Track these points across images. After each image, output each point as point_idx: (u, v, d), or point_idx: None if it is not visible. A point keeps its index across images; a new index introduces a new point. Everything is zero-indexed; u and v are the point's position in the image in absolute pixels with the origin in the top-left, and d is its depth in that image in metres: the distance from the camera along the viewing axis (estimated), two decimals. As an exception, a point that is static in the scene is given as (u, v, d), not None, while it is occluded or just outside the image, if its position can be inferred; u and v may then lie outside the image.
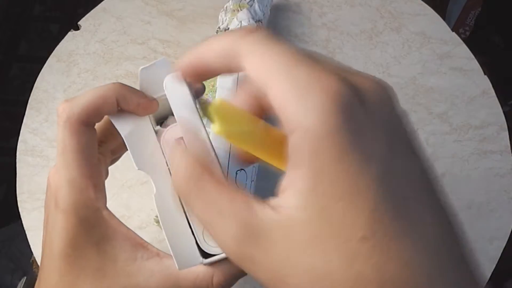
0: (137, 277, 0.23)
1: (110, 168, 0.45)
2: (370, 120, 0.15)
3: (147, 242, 0.25)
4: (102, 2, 0.59)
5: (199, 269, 0.23)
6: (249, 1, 0.48)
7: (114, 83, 0.26)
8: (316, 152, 0.15)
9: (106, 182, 0.41)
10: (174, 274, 0.23)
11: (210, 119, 0.19)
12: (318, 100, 0.15)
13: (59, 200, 0.24)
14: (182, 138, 0.23)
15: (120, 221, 0.25)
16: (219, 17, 0.49)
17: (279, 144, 0.18)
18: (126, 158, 0.49)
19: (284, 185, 0.16)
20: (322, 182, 0.15)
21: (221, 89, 0.41)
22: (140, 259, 0.24)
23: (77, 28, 0.57)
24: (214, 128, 0.18)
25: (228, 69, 0.18)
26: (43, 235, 0.26)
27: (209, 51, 0.19)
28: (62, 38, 0.57)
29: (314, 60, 0.16)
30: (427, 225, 0.15)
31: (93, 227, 0.24)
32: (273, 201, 0.17)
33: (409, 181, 0.15)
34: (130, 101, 0.25)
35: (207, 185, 0.18)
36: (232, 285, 0.23)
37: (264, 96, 0.16)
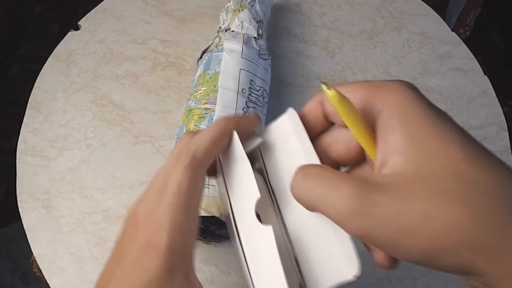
0: None
1: (110, 167, 0.44)
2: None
3: None
4: (102, 2, 0.59)
5: None
6: (250, 1, 0.48)
7: (228, 119, 0.27)
8: (404, 119, 0.19)
9: (107, 182, 0.41)
10: None
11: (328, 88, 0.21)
12: (398, 87, 0.21)
13: (153, 240, 0.23)
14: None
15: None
16: (220, 17, 0.49)
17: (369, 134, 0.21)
18: (126, 158, 0.49)
19: (381, 156, 0.20)
20: (416, 137, 0.19)
21: (222, 90, 0.41)
22: None
23: (77, 28, 0.57)
24: (332, 93, 0.21)
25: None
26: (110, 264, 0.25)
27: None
28: (62, 38, 0.57)
29: None
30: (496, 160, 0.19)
31: (178, 273, 0.23)
32: (379, 171, 0.20)
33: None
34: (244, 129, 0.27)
35: (325, 172, 0.21)
36: None
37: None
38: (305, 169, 0.22)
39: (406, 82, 0.21)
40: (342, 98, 0.21)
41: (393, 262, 0.22)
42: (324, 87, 0.21)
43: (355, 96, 0.21)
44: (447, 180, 0.18)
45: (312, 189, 0.21)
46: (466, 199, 0.17)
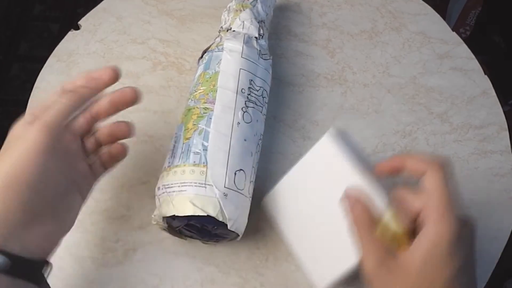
0: None
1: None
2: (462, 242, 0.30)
3: None
4: (102, 2, 0.59)
5: None
6: (252, 1, 0.48)
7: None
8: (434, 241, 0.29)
9: (107, 182, 0.41)
10: None
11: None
12: (451, 222, 0.29)
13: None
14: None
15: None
16: (222, 16, 0.49)
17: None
18: (126, 157, 0.49)
19: (410, 250, 0.30)
20: (433, 256, 0.29)
21: (221, 89, 0.41)
22: None
23: (77, 28, 0.57)
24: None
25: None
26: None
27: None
28: (62, 38, 0.57)
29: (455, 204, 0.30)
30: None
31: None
32: (402, 253, 0.30)
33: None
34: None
35: (367, 231, 0.32)
36: None
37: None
38: (365, 219, 0.33)
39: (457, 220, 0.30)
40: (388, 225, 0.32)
41: None
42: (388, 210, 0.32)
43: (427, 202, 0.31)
44: None
45: (362, 241, 0.32)
46: None
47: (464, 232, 0.29)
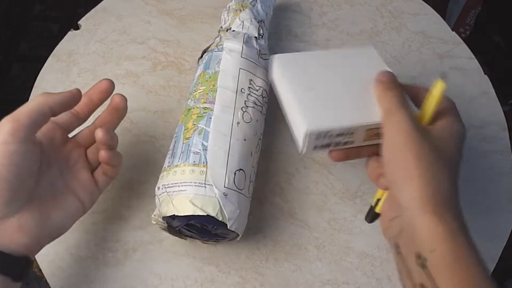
0: None
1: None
2: None
3: None
4: (102, 2, 0.59)
5: None
6: (252, 1, 0.48)
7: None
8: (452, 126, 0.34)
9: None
10: None
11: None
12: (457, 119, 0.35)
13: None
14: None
15: None
16: (222, 16, 0.49)
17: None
18: (126, 157, 0.49)
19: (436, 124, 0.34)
20: (449, 136, 0.33)
21: (221, 89, 0.41)
22: None
23: (77, 27, 0.57)
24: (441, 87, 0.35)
25: None
26: None
27: None
28: (62, 37, 0.57)
29: None
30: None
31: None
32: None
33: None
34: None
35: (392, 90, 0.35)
36: None
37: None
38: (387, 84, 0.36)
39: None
40: (440, 95, 0.34)
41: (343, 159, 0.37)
42: (441, 81, 0.34)
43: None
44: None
45: (388, 102, 0.34)
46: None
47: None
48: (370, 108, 0.36)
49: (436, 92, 0.34)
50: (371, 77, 0.36)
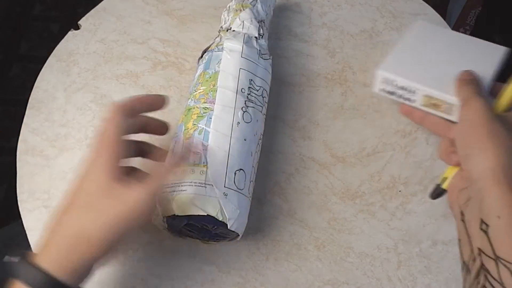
0: None
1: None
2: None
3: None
4: (102, 2, 0.59)
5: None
6: (252, 1, 0.48)
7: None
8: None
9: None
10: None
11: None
12: None
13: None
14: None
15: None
16: (222, 16, 0.49)
17: None
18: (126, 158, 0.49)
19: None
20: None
21: (221, 89, 0.41)
22: None
23: (77, 27, 0.57)
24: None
25: None
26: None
27: None
28: (62, 37, 0.57)
29: None
30: None
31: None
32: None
33: None
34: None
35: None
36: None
37: None
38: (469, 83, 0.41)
39: None
40: None
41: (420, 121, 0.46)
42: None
43: None
44: None
45: (465, 93, 0.40)
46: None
47: None
48: (440, 82, 0.43)
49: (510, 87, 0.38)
50: (473, 66, 0.43)
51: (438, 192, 0.40)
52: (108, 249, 0.33)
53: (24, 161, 0.49)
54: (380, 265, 0.44)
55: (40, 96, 0.52)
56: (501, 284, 0.30)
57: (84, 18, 0.58)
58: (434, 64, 0.45)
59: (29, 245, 0.44)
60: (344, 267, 0.43)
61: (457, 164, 0.38)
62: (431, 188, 0.41)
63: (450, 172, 0.39)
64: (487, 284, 0.31)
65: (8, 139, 1.17)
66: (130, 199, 0.33)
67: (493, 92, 0.41)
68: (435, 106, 0.43)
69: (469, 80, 0.41)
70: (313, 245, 0.44)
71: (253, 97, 0.42)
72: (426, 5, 0.60)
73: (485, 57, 0.45)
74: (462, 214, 0.35)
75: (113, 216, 0.32)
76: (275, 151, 0.49)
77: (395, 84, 0.45)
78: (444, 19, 0.59)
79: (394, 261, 0.44)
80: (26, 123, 0.51)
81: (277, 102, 0.51)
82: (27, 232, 0.45)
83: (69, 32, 0.57)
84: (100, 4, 0.59)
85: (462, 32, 0.52)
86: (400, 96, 0.45)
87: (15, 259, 0.32)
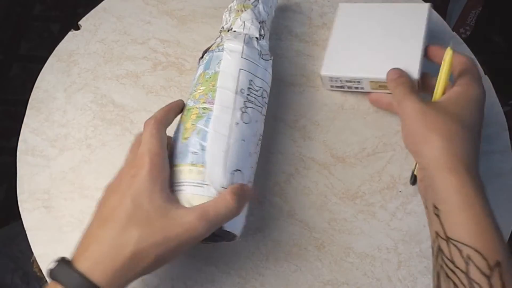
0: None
1: (110, 167, 0.45)
2: None
3: None
4: (103, 2, 0.59)
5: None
6: (254, 2, 0.48)
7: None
8: (466, 97, 0.39)
9: (107, 182, 0.41)
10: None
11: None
12: (480, 87, 0.41)
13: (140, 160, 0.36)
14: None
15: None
16: (223, 17, 0.49)
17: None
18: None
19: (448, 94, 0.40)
20: (464, 96, 0.39)
21: (221, 90, 0.41)
22: None
23: (77, 28, 0.57)
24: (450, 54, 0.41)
25: None
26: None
27: None
28: (63, 37, 0.57)
29: None
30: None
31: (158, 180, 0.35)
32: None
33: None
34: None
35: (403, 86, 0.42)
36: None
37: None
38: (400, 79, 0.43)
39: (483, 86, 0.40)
40: (451, 60, 0.40)
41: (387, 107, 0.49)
42: (450, 49, 0.40)
43: (457, 64, 0.42)
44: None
45: (398, 96, 0.42)
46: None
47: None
48: (378, 64, 0.46)
49: (446, 58, 0.40)
50: (403, 34, 0.48)
51: (414, 178, 0.45)
52: (158, 266, 0.34)
53: (24, 161, 0.49)
54: (380, 266, 0.44)
55: (40, 96, 0.53)
56: (453, 262, 0.33)
57: (84, 18, 0.58)
58: (369, 47, 0.49)
59: (29, 245, 0.44)
60: (344, 268, 0.43)
61: None
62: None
63: None
64: (443, 265, 0.34)
65: (8, 139, 1.17)
66: (186, 222, 0.33)
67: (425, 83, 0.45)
68: (384, 87, 0.47)
69: (398, 80, 0.43)
70: (313, 245, 0.44)
71: (252, 98, 0.42)
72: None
73: (412, 21, 0.49)
74: (424, 201, 0.38)
75: (171, 237, 0.33)
76: (275, 151, 0.49)
77: (340, 80, 0.49)
78: (444, 19, 0.59)
79: (394, 262, 0.44)
80: (26, 123, 0.51)
81: (277, 102, 0.51)
82: (27, 232, 0.45)
83: (69, 32, 0.57)
84: (100, 5, 0.59)
85: (462, 33, 0.53)
86: (351, 87, 0.49)
87: (53, 263, 0.33)
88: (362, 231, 0.45)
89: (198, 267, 0.43)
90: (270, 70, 0.46)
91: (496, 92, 0.53)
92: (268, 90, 0.45)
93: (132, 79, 0.53)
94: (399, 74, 0.43)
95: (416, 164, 0.44)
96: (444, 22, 0.58)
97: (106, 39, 0.56)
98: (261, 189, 0.46)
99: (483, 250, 0.32)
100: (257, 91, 0.43)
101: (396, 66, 0.44)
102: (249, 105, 0.41)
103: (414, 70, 0.47)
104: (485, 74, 0.55)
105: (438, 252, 0.35)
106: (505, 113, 0.52)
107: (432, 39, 0.57)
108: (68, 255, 0.43)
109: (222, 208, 0.35)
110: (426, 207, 0.38)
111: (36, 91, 0.53)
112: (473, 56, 0.56)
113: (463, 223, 0.33)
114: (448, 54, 0.40)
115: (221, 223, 0.35)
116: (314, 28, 0.57)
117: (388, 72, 0.44)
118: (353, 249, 0.44)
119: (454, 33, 0.57)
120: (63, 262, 0.33)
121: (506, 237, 0.46)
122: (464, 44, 0.57)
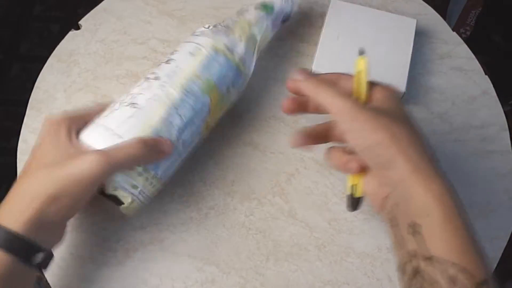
0: None
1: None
2: None
3: None
4: (103, 2, 0.59)
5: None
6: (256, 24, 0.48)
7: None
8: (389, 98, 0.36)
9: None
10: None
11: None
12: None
13: None
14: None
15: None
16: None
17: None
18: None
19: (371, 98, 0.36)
20: (390, 98, 0.36)
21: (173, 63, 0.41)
22: None
23: (77, 28, 0.57)
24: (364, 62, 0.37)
25: None
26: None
27: None
28: (63, 38, 0.57)
29: None
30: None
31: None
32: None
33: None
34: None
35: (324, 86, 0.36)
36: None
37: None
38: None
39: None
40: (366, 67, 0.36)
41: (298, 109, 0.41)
42: (361, 56, 0.37)
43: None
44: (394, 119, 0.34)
45: (325, 93, 0.36)
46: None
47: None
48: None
49: (361, 67, 0.37)
50: (392, 45, 0.51)
51: (354, 202, 0.38)
52: (73, 206, 0.36)
53: (24, 162, 0.48)
54: (381, 265, 0.44)
55: (40, 96, 0.52)
56: (437, 283, 0.29)
57: (84, 18, 0.58)
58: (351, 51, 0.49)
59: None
60: (344, 267, 0.43)
61: (360, 171, 0.36)
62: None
63: (355, 179, 0.37)
64: (425, 284, 0.30)
65: (8, 140, 1.17)
66: (88, 158, 0.35)
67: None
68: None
69: (315, 79, 0.37)
70: (313, 245, 0.44)
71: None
72: (426, 5, 0.60)
73: (401, 34, 0.52)
74: (394, 219, 0.34)
75: (75, 172, 0.34)
76: (276, 151, 0.49)
77: None
78: (445, 20, 0.59)
79: (394, 261, 0.44)
80: (26, 123, 0.51)
81: (278, 103, 0.51)
82: (27, 232, 0.45)
83: (70, 33, 0.57)
84: (100, 5, 0.59)
85: (462, 33, 0.53)
86: None
87: None
88: (362, 231, 0.45)
89: (198, 267, 0.43)
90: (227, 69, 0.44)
91: (496, 92, 0.54)
92: (227, 87, 0.44)
93: (132, 79, 0.53)
94: (308, 72, 0.38)
95: (353, 184, 0.38)
96: (445, 23, 0.58)
97: (106, 39, 0.56)
98: (261, 189, 0.46)
99: (470, 267, 0.29)
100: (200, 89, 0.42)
101: (383, 75, 0.41)
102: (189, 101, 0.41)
103: (401, 82, 0.49)
104: (485, 74, 0.55)
105: (414, 275, 0.31)
106: (505, 113, 0.52)
107: (432, 39, 0.57)
108: (68, 255, 0.43)
109: (126, 149, 0.36)
110: (397, 225, 0.33)
111: (36, 91, 0.53)
112: (473, 56, 0.56)
113: (447, 238, 0.30)
114: (361, 63, 0.37)
115: (123, 164, 0.36)
116: (314, 28, 0.57)
117: (294, 74, 0.38)
118: (353, 249, 0.44)
119: (454, 33, 0.57)
120: None
121: (506, 239, 0.46)
122: (464, 44, 0.57)
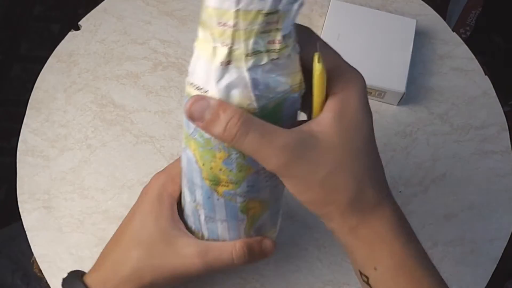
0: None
1: (110, 168, 0.45)
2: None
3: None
4: (103, 2, 0.59)
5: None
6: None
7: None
8: (347, 106, 0.27)
9: (107, 182, 0.41)
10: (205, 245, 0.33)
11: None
12: (358, 78, 0.28)
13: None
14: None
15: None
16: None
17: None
18: (127, 158, 0.49)
19: (322, 113, 0.27)
20: (346, 111, 0.27)
21: None
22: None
23: (77, 28, 0.57)
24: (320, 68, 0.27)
25: None
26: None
27: None
28: (63, 38, 0.57)
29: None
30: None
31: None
32: (313, 121, 0.27)
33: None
34: None
35: (255, 125, 0.26)
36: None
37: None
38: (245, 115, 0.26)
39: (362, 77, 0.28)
40: (324, 73, 0.27)
41: None
42: (316, 59, 0.26)
43: (329, 64, 0.27)
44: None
45: (252, 139, 0.26)
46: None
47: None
48: (366, 68, 0.38)
49: (318, 73, 0.27)
50: (392, 46, 0.51)
51: None
52: None
53: (24, 162, 0.49)
54: (381, 266, 0.44)
55: (40, 96, 0.52)
56: None
57: (84, 18, 0.58)
58: (358, 49, 0.51)
59: (29, 246, 0.44)
60: (344, 268, 0.43)
61: None
62: None
63: None
64: None
65: (8, 140, 1.17)
66: (184, 255, 0.32)
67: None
68: (369, 93, 0.48)
69: (227, 115, 0.27)
70: (313, 245, 0.44)
71: None
72: (427, 5, 0.60)
73: (401, 34, 0.52)
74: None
75: (167, 265, 0.32)
76: (276, 151, 0.49)
77: None
78: (445, 20, 0.59)
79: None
80: (26, 123, 0.51)
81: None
82: (27, 232, 0.45)
83: (70, 33, 0.57)
84: (100, 5, 0.59)
85: (462, 33, 0.53)
86: None
87: (67, 274, 0.35)
88: (362, 232, 0.45)
89: (198, 267, 0.43)
90: None
91: (496, 92, 0.54)
92: None
93: (132, 80, 0.53)
94: (220, 105, 0.27)
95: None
96: (445, 23, 0.58)
97: (106, 40, 0.56)
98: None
99: None
100: None
101: (384, 75, 0.41)
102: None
103: (401, 82, 0.49)
104: (485, 74, 0.55)
105: None
106: (505, 113, 0.52)
107: (432, 39, 0.57)
108: (68, 255, 0.43)
109: (226, 254, 0.32)
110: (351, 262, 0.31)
111: (36, 91, 0.53)
112: (473, 57, 0.56)
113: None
114: (317, 68, 0.27)
115: (220, 268, 0.33)
116: (314, 28, 0.57)
117: (188, 106, 0.29)
118: (353, 250, 0.44)
119: (454, 33, 0.57)
120: (74, 273, 0.35)
121: (506, 239, 0.46)
122: (464, 45, 0.57)
